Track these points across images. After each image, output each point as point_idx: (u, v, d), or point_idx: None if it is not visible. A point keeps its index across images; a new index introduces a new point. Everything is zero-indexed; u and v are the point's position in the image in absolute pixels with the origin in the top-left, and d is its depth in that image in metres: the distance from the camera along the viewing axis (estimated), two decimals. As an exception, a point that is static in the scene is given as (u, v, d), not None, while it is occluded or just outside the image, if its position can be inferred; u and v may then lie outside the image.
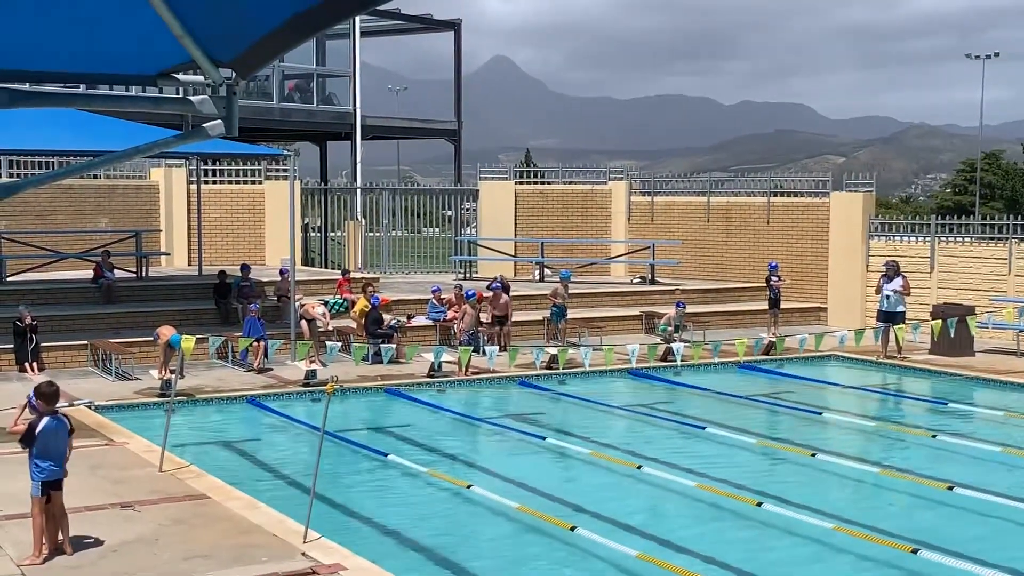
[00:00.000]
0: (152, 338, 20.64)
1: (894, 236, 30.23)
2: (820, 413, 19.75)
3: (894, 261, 25.92)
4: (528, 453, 16.99)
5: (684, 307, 26.12)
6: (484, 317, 24.87)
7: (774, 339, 23.65)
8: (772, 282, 27.72)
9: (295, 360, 22.16)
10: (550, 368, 22.67)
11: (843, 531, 12.49)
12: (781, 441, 17.50)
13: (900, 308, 24.97)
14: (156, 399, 19.10)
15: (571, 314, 27.30)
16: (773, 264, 28.43)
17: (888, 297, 24.93)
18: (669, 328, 25.43)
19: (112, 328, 24.11)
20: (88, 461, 14.47)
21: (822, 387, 22.49)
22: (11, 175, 30.34)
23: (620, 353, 22.38)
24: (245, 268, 26.51)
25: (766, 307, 28.29)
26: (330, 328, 24.32)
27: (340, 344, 22.12)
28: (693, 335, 26.31)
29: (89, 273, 27.08)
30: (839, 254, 30.66)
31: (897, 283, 24.98)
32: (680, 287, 31.60)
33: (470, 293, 25.09)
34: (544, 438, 17.35)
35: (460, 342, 23.73)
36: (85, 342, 22.55)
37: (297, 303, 23.86)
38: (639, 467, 15.46)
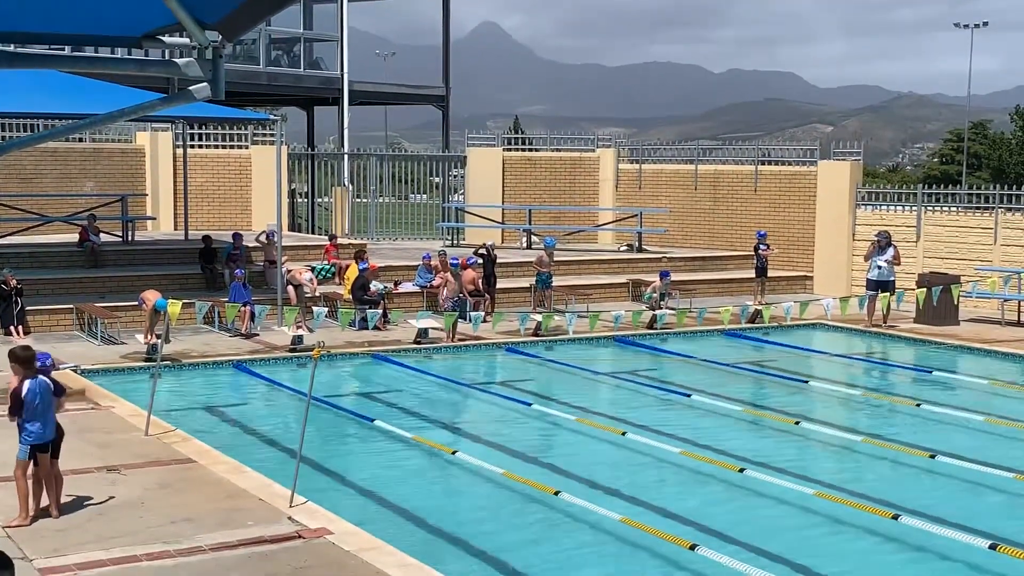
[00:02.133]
0: (138, 303, 20.62)
1: (881, 205, 30.29)
2: (805, 381, 19.85)
3: (886, 231, 25.97)
4: (513, 419, 17.05)
5: (669, 276, 26.14)
6: (469, 285, 24.89)
7: (760, 307, 23.74)
8: (760, 251, 27.77)
9: (282, 325, 22.16)
10: (535, 335, 22.72)
11: (825, 497, 12.59)
12: (765, 409, 17.61)
13: (891, 278, 25.10)
14: (142, 363, 19.10)
15: (557, 281, 27.31)
16: (761, 233, 28.47)
17: (880, 267, 25.02)
18: (655, 296, 25.49)
19: (98, 292, 24.06)
20: (74, 425, 14.46)
21: (807, 355, 22.61)
22: (-4, 138, 30.18)
23: (605, 320, 22.44)
24: (237, 236, 26.42)
25: (752, 275, 28.36)
26: (317, 294, 24.32)
27: (327, 310, 22.13)
28: (679, 303, 26.38)
29: (75, 237, 26.99)
30: (826, 223, 30.72)
31: (889, 253, 25.07)
32: (667, 255, 31.64)
33: (454, 261, 25.11)
34: (529, 404, 17.41)
35: (444, 309, 23.75)
36: (71, 306, 22.51)
37: (284, 269, 23.83)
38: (624, 433, 15.53)
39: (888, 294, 23.50)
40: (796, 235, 31.42)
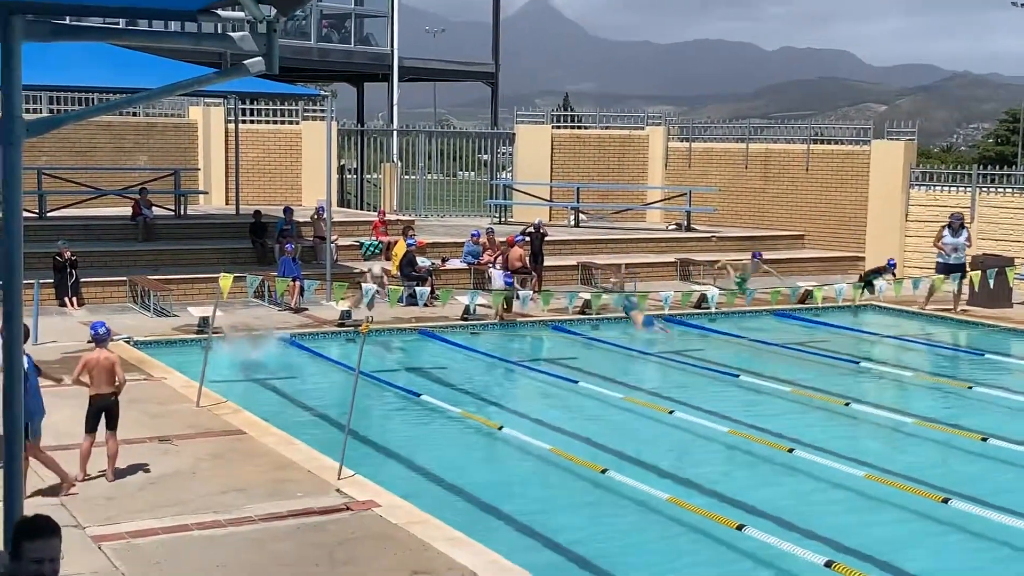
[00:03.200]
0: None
1: (935, 186, 29.91)
2: (856, 362, 19.69)
3: (960, 213, 25.49)
4: (560, 396, 17.07)
5: (760, 257, 25.57)
6: (516, 262, 24.88)
7: (811, 288, 23.52)
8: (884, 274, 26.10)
9: (330, 300, 22.28)
10: (584, 313, 22.69)
11: (875, 479, 12.50)
12: (815, 390, 17.48)
13: (963, 261, 24.66)
14: (194, 336, 19.29)
15: (605, 260, 27.27)
16: (892, 262, 26.41)
17: (956, 250, 24.53)
18: (738, 275, 25.03)
19: (151, 265, 24.31)
20: (127, 395, 14.55)
21: (858, 336, 22.41)
22: (51, 111, 30.51)
23: (654, 299, 22.35)
24: (288, 211, 26.55)
25: (802, 256, 28.06)
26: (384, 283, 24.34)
27: (376, 286, 22.21)
28: (728, 283, 26.20)
29: (128, 210, 27.26)
30: (878, 203, 30.39)
31: (963, 236, 24.59)
32: (716, 234, 31.46)
33: (519, 238, 25.22)
34: (576, 382, 17.41)
35: (497, 286, 23.77)
36: (124, 278, 22.76)
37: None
38: (671, 412, 15.50)
39: (958, 276, 23.20)
40: (848, 215, 31.11)
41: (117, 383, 11.46)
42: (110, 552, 9.30)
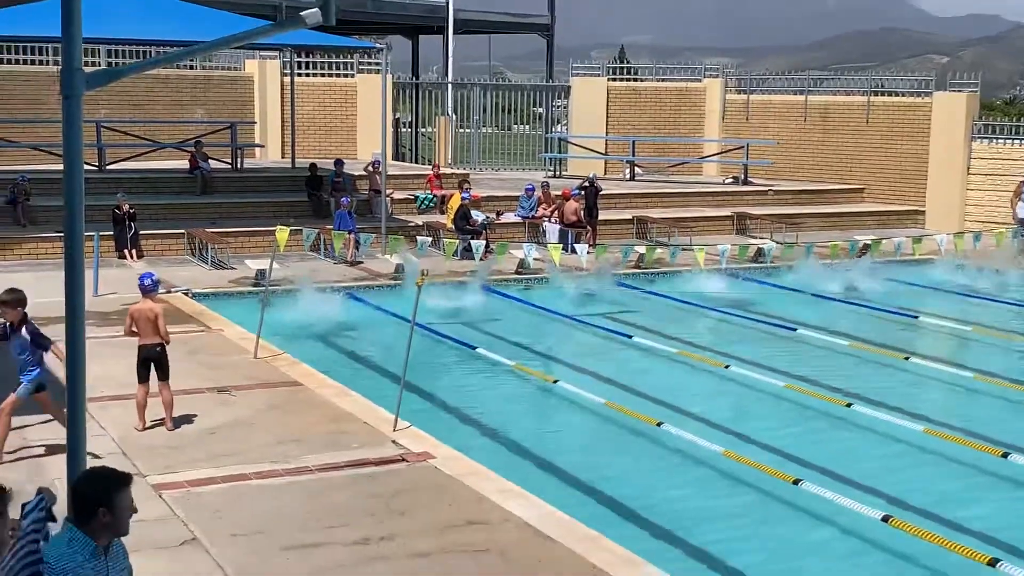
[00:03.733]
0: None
1: (997, 139, 29.35)
2: (915, 316, 19.46)
3: None
4: (615, 350, 17.05)
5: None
6: (571, 216, 24.79)
7: (869, 241, 23.22)
8: None
9: (385, 254, 22.36)
10: (639, 266, 22.59)
11: (933, 434, 12.38)
12: (874, 344, 17.31)
13: None
14: (251, 288, 19.45)
15: (661, 214, 27.13)
16: None
17: None
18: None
19: (208, 218, 24.50)
20: (185, 347, 14.84)
21: (918, 290, 22.12)
22: (109, 64, 30.73)
23: (710, 253, 22.21)
24: (339, 163, 26.67)
25: (861, 210, 27.73)
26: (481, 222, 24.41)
27: (430, 239, 22.28)
28: (785, 236, 25.97)
29: (185, 163, 27.47)
30: (940, 156, 29.89)
31: None
32: (773, 188, 31.14)
33: (575, 191, 25.10)
34: (631, 336, 17.37)
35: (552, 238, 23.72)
36: (182, 231, 22.99)
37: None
38: (727, 366, 15.43)
39: (1002, 231, 22.78)
40: (908, 168, 30.64)
41: (161, 334, 11.50)
42: (170, 500, 9.44)
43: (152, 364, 11.52)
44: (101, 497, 4.70)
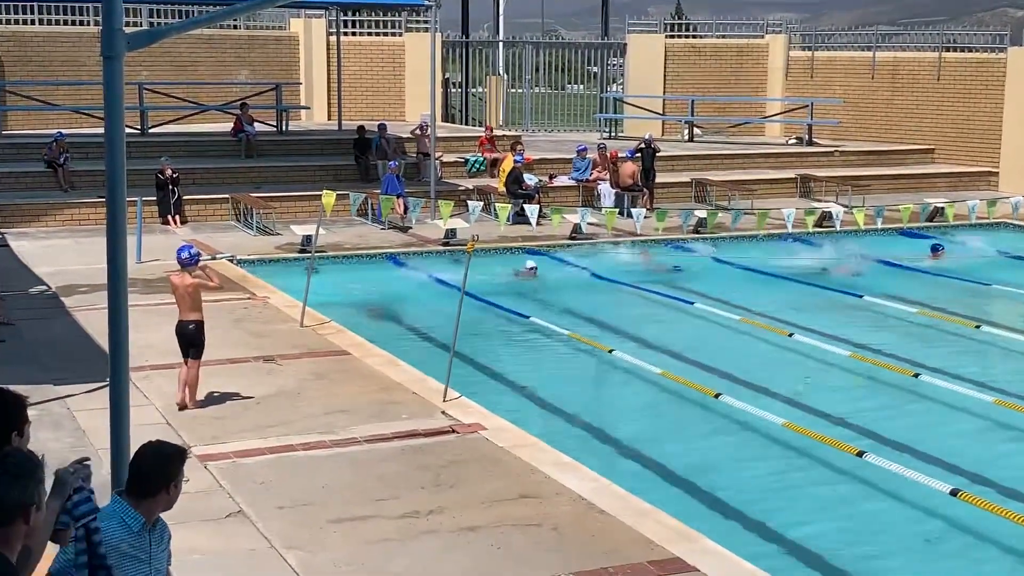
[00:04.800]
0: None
1: (1078, 96, 28.76)
2: (988, 284, 19.20)
3: None
4: (674, 319, 17.01)
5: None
6: (627, 179, 24.67)
7: (942, 205, 22.89)
8: None
9: (435, 219, 22.39)
10: (698, 232, 22.47)
11: (1005, 405, 12.23)
12: (944, 312, 17.11)
13: None
14: (297, 255, 19.57)
15: (721, 176, 26.89)
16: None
17: None
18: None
19: (253, 182, 24.65)
20: (231, 315, 14.98)
21: (992, 256, 21.81)
22: (151, 24, 30.92)
23: (773, 217, 22.02)
24: (382, 127, 26.67)
25: (932, 171, 27.34)
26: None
27: (481, 204, 22.27)
28: (852, 199, 25.70)
29: (229, 126, 27.62)
30: (1015, 115, 29.33)
31: None
32: (840, 148, 30.77)
33: (629, 153, 24.92)
34: (691, 303, 17.31)
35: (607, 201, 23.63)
36: (226, 196, 23.14)
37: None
38: (790, 335, 15.35)
39: None
40: (981, 128, 30.13)
41: (214, 284, 11.62)
42: (215, 471, 9.57)
43: (187, 340, 11.42)
44: (169, 475, 4.73)
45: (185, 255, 11.56)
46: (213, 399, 11.53)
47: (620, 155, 25.22)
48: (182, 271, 11.52)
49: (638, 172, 24.90)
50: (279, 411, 11.25)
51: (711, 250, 21.71)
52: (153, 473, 4.71)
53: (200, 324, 11.50)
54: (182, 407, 11.22)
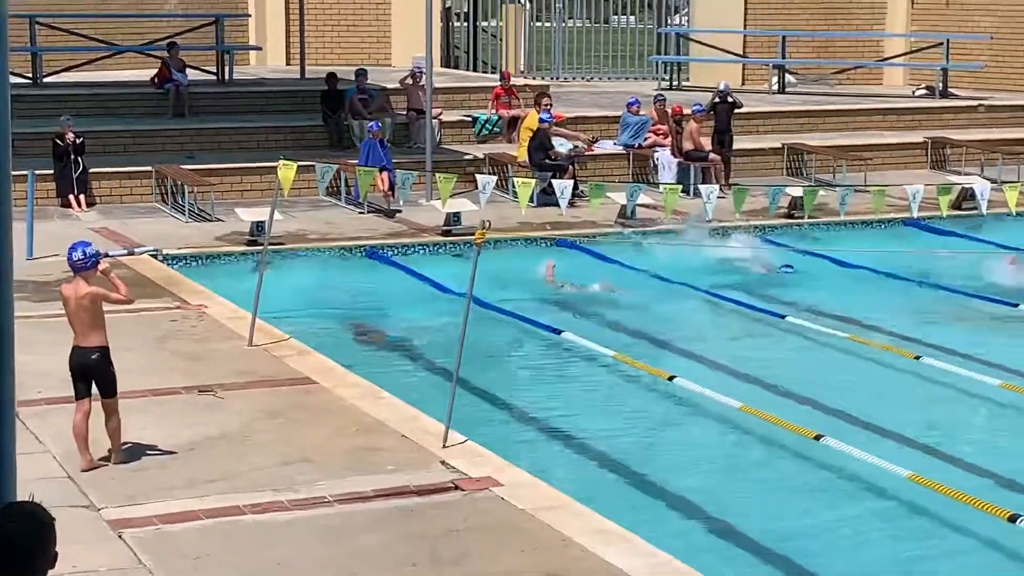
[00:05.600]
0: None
1: None
2: None
3: None
4: (758, 335, 17.01)
5: None
6: (688, 143, 24.65)
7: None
8: None
9: (432, 199, 22.38)
10: (791, 216, 22.40)
11: None
12: None
13: None
14: (244, 248, 19.58)
15: (822, 140, 26.84)
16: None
17: None
18: None
19: (185, 150, 24.67)
20: (154, 330, 15.00)
21: None
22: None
23: (894, 196, 21.94)
24: (361, 74, 26.66)
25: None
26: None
27: (495, 178, 22.25)
28: (1002, 172, 25.61)
29: (152, 74, 27.64)
30: None
31: None
32: (984, 101, 30.70)
33: (697, 108, 24.86)
34: (783, 316, 17.28)
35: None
36: (149, 168, 23.14)
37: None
38: (917, 358, 15.31)
39: None
40: None
41: (121, 296, 11.17)
42: (134, 542, 9.55)
43: (90, 376, 11.13)
44: (49, 550, 4.68)
45: (78, 255, 11.12)
46: (130, 444, 11.50)
47: (685, 112, 25.17)
48: (75, 277, 11.15)
49: (709, 135, 24.88)
50: (220, 461, 11.25)
51: (809, 242, 21.66)
52: (19, 545, 4.65)
53: (104, 351, 11.14)
54: (90, 468, 11.05)
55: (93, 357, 11.08)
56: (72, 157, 22.11)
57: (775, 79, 33.01)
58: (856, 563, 10.43)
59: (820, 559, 10.37)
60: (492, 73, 32.70)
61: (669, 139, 25.29)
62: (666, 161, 24.97)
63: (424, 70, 24.28)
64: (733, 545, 10.58)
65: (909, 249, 21.15)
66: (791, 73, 33.34)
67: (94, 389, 11.16)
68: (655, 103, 26.29)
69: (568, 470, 12.02)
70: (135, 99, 27.01)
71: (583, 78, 35.77)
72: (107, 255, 11.93)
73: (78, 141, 22.16)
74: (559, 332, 16.22)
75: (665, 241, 21.26)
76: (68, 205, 22.02)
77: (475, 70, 36.83)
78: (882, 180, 23.99)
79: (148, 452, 11.46)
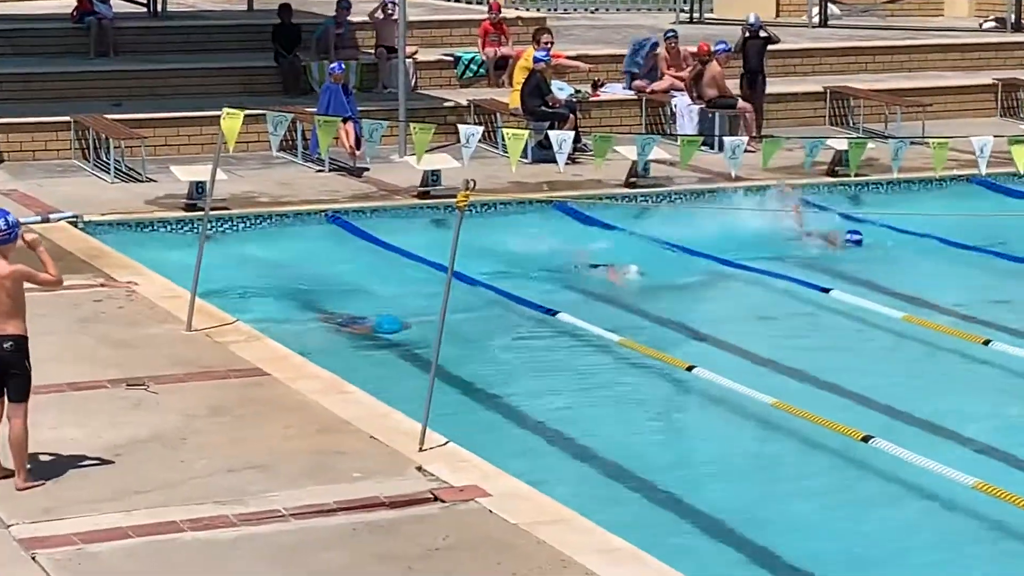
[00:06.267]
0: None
1: None
2: None
3: None
4: (795, 314, 17.04)
5: None
6: (711, 89, 24.61)
7: None
8: None
9: (406, 155, 22.38)
10: (833, 174, 22.40)
11: None
12: None
13: None
14: (181, 214, 19.56)
15: (872, 83, 26.83)
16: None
17: None
18: None
19: (110, 97, 24.63)
20: (75, 312, 14.99)
21: None
22: None
23: (958, 149, 21.94)
24: (344, 5, 26.48)
25: None
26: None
27: (480, 129, 22.24)
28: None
29: (69, 5, 27.59)
30: None
31: None
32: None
33: (722, 46, 24.77)
34: (826, 290, 17.30)
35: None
36: (67, 119, 23.11)
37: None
38: (986, 342, 15.33)
39: None
40: None
41: (51, 277, 10.95)
42: (50, 565, 9.52)
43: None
44: None
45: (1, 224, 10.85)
46: (45, 448, 11.50)
47: (708, 49, 25.15)
48: None
49: (736, 78, 24.88)
50: (153, 467, 11.24)
51: (856, 204, 21.68)
52: None
53: (21, 342, 10.85)
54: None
55: (6, 346, 10.68)
56: (-25, 106, 22.14)
57: (815, 10, 33.03)
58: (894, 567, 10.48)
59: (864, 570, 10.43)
60: (479, 4, 32.65)
61: (688, 82, 25.26)
62: (684, 108, 24.94)
63: (397, 0, 24.25)
64: (762, 568, 10.60)
65: (976, 213, 21.12)
66: (835, 3, 33.32)
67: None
68: (666, 40, 26.20)
69: (568, 478, 12.04)
70: (49, 36, 26.96)
71: (586, 8, 35.75)
72: (17, 223, 11.78)
73: (-18, 86, 22.18)
74: (555, 313, 16.23)
75: (693, 205, 21.32)
76: (-29, 163, 22.04)
77: (458, 0, 36.80)
78: (943, 130, 23.97)
79: (68, 456, 11.46)
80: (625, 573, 9.49)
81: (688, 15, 33.49)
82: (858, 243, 20.29)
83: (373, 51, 26.51)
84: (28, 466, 10.94)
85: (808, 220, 20.60)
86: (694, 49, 25.57)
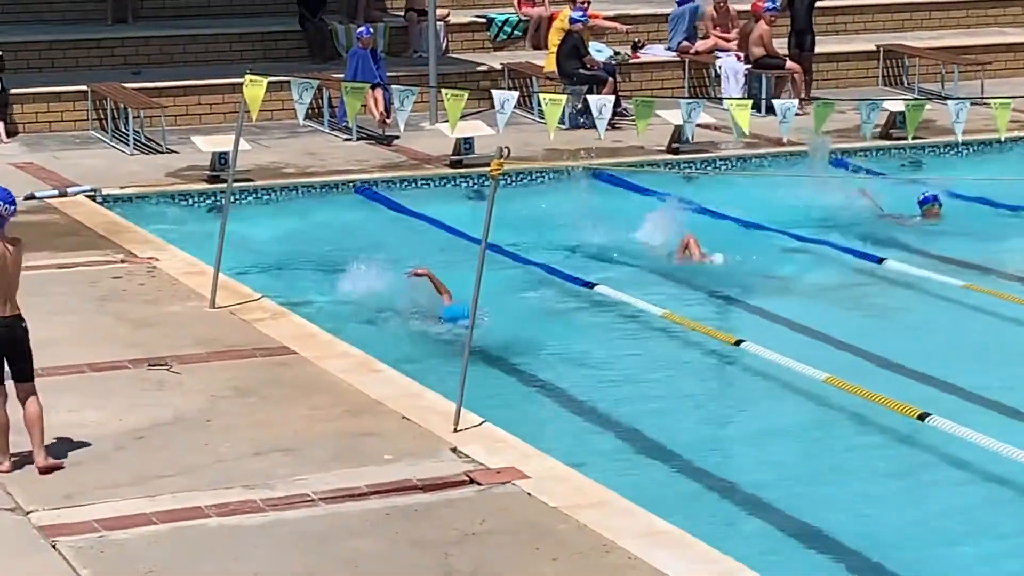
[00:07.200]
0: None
1: None
2: None
3: None
4: (848, 286, 17.03)
5: None
6: (758, 48, 24.51)
7: None
8: None
9: (437, 122, 22.37)
10: (889, 137, 22.33)
11: None
12: None
13: None
14: (204, 186, 19.60)
15: (928, 40, 26.71)
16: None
17: None
18: None
19: (129, 65, 24.67)
20: (93, 290, 15.02)
21: None
22: None
23: (1021, 110, 21.86)
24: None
25: None
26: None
27: (516, 95, 22.22)
28: None
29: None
30: None
31: None
32: None
33: (769, 3, 24.63)
34: (880, 260, 17.26)
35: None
36: (84, 88, 23.17)
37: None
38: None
39: None
40: None
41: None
42: (70, 553, 9.57)
43: (7, 352, 10.91)
44: None
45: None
46: (64, 433, 11.57)
47: (762, 8, 25.05)
48: None
49: (784, 37, 24.81)
50: (176, 451, 11.28)
51: (911, 169, 21.60)
52: None
53: (20, 322, 10.91)
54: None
55: (13, 324, 10.82)
56: (-11, 75, 22.20)
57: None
58: (965, 567, 10.44)
59: (923, 570, 10.39)
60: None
61: (735, 42, 25.19)
62: (731, 69, 24.87)
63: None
64: (815, 551, 10.59)
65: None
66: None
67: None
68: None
69: (609, 458, 12.05)
70: (65, 1, 26.97)
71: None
72: (34, 196, 11.84)
73: (-4, 55, 22.24)
74: (593, 286, 16.25)
75: (739, 172, 21.27)
76: (-15, 134, 22.09)
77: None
78: (1004, 90, 23.86)
79: (87, 440, 11.51)
80: (670, 558, 9.46)
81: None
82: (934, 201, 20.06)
83: (403, 14, 26.50)
84: (42, 454, 10.97)
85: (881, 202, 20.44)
86: (746, 7, 25.44)
